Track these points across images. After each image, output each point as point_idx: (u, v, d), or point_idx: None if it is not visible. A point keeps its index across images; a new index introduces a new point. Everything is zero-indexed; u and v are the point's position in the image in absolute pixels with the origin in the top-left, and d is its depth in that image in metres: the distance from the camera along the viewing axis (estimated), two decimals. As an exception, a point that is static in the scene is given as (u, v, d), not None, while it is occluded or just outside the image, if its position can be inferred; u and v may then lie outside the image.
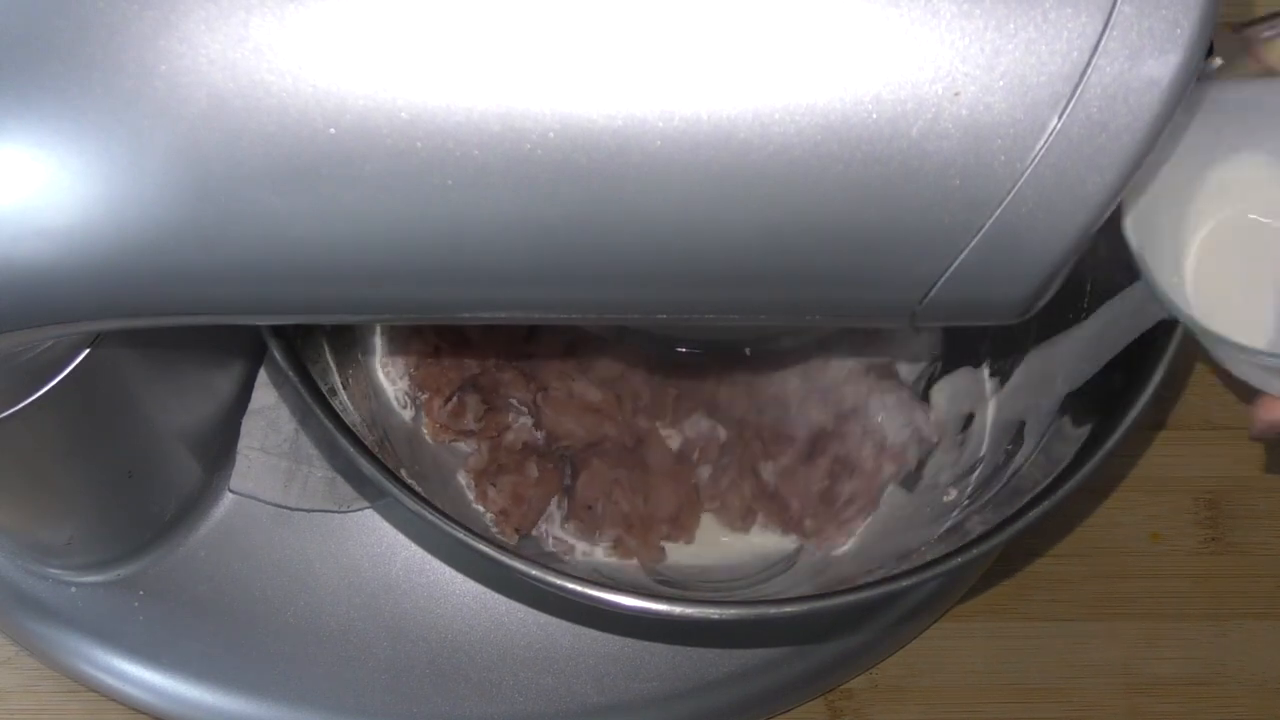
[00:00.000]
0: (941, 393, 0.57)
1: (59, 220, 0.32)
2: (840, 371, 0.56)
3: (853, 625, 0.56)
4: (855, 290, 0.35)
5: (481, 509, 0.56)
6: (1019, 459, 0.51)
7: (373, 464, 0.44)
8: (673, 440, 0.57)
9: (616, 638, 0.56)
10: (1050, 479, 0.45)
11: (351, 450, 0.44)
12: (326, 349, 0.51)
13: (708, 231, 0.33)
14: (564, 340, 0.57)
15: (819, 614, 0.53)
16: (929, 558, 0.45)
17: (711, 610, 0.45)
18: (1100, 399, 0.47)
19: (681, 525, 0.56)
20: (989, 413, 0.55)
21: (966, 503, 0.52)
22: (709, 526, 0.57)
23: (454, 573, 0.56)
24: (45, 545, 0.54)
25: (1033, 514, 0.44)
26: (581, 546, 0.56)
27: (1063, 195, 0.32)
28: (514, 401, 0.57)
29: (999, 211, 0.32)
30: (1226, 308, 0.40)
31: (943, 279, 0.34)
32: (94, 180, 0.32)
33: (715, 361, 0.56)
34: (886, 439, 0.56)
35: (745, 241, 0.33)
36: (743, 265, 0.34)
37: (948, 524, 0.51)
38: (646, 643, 0.56)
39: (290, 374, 0.45)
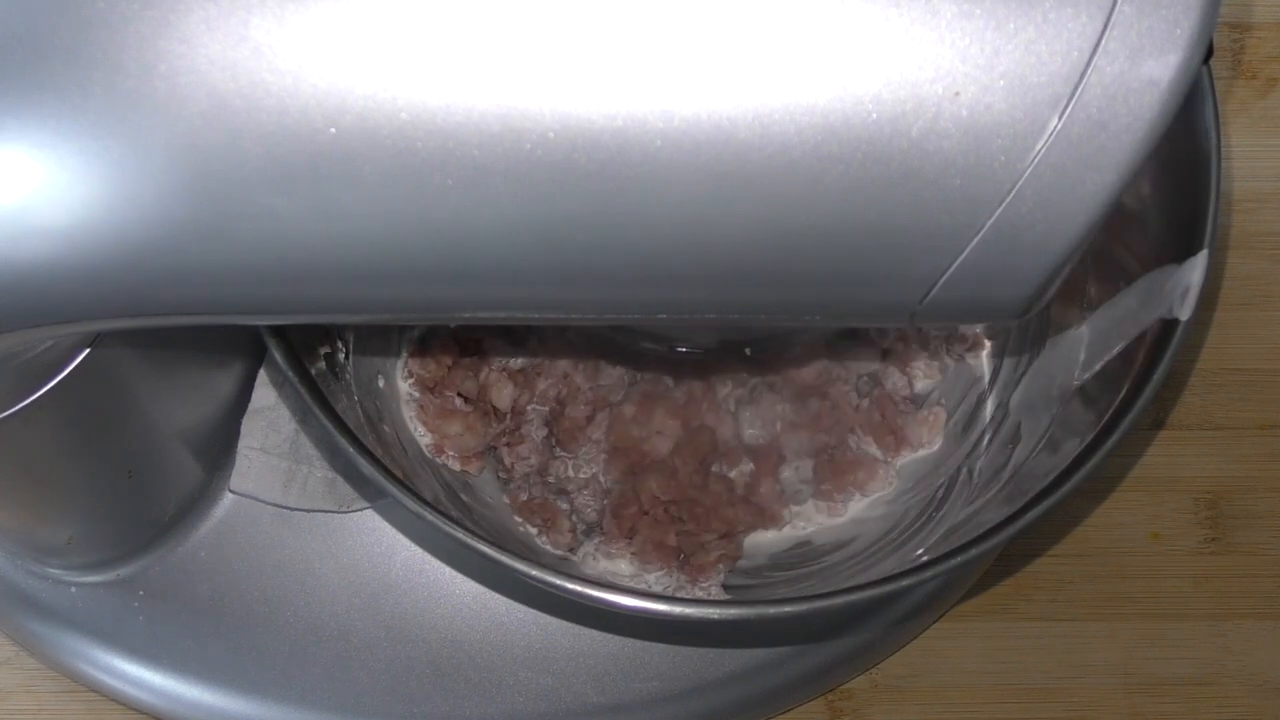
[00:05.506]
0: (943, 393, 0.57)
1: (59, 220, 0.32)
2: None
3: (853, 625, 0.56)
4: (855, 290, 0.35)
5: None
6: (1018, 459, 0.50)
7: (373, 464, 0.44)
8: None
9: (616, 638, 0.55)
10: (1050, 479, 0.45)
11: (351, 450, 0.44)
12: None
13: (708, 231, 0.33)
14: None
15: (819, 614, 0.53)
16: (929, 558, 0.45)
17: (711, 610, 0.45)
18: (1100, 399, 0.47)
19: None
20: (988, 413, 0.55)
21: (965, 503, 0.52)
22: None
23: (454, 573, 0.56)
24: (45, 545, 0.54)
25: (1032, 514, 0.44)
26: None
27: (1063, 195, 0.32)
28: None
29: (999, 211, 0.32)
30: None
31: (943, 279, 0.34)
32: (94, 180, 0.32)
33: (715, 361, 0.56)
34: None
35: (745, 241, 0.33)
36: (742, 265, 0.34)
37: (948, 524, 0.51)
38: (646, 643, 0.56)
39: (290, 374, 0.45)
